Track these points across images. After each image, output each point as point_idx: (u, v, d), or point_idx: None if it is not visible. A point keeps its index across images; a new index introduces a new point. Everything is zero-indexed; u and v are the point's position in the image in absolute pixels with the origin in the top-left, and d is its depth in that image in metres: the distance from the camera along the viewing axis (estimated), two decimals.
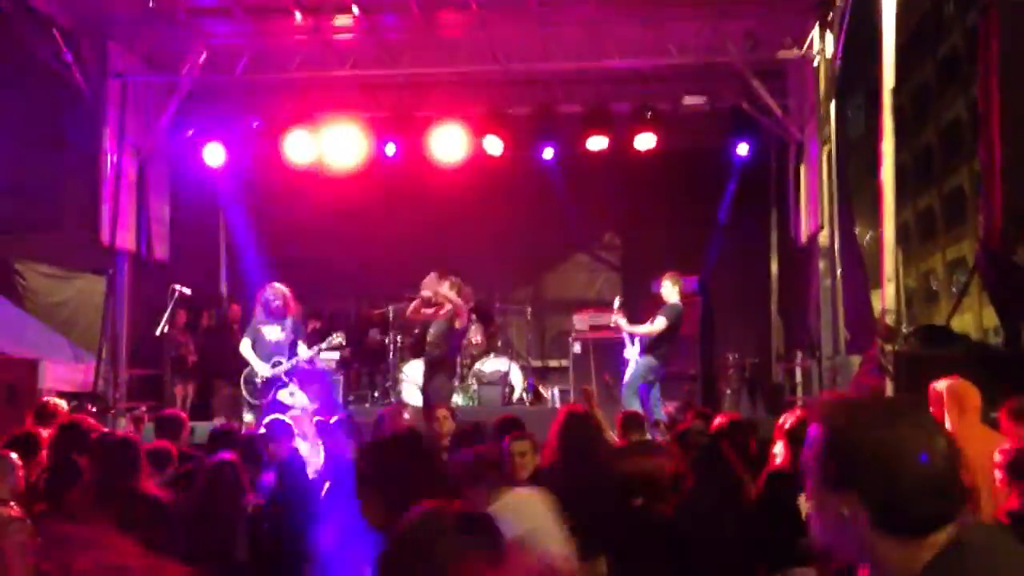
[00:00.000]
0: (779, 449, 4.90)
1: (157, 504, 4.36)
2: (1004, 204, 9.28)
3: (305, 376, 9.69)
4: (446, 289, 9.54)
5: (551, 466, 5.24)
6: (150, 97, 11.61)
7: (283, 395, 9.35)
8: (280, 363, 9.29)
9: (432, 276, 9.83)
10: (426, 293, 9.47)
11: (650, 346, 9.95)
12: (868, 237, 20.70)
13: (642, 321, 10.18)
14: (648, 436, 7.03)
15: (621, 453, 6.09)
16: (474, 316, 11.87)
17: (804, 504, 4.49)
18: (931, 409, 4.91)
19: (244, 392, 9.40)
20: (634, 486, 5.31)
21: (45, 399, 7.20)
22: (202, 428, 9.20)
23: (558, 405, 10.61)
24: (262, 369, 9.26)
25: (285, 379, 9.32)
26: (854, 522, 1.55)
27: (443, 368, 10.12)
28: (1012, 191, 9.18)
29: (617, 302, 10.46)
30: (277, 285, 9.59)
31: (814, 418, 1.64)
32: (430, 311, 10.00)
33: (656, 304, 10.29)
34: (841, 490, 1.56)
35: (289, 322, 9.46)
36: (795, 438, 4.68)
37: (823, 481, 1.60)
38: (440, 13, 10.39)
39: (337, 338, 9.56)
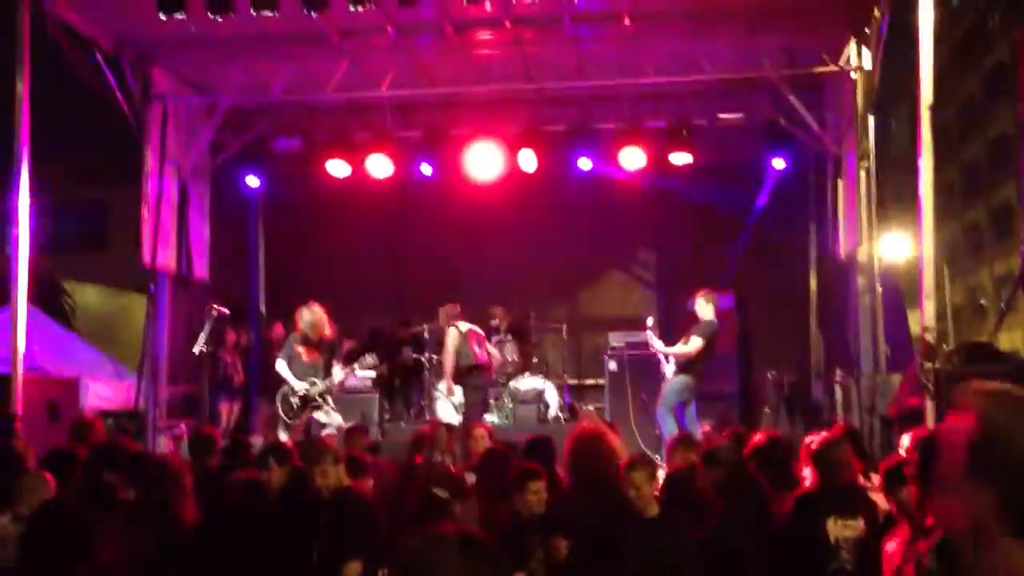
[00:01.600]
0: (808, 472, 4.81)
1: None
2: None
3: None
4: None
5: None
6: (191, 118, 11.81)
7: (319, 415, 9.46)
8: (315, 383, 9.40)
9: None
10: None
11: (685, 364, 9.88)
12: (912, 253, 20.38)
13: (677, 338, 10.12)
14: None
15: None
16: (509, 335, 11.92)
17: (833, 528, 4.39)
18: None
19: (280, 410, 9.49)
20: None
21: (82, 418, 7.31)
22: None
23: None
24: (298, 386, 9.36)
25: (319, 400, 9.44)
26: (981, 515, 1.56)
27: (478, 388, 10.24)
28: None
29: (650, 321, 10.39)
30: (314, 307, 9.68)
31: (965, 404, 1.64)
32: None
33: (691, 321, 10.22)
34: (978, 483, 1.56)
35: (325, 344, 9.58)
36: (821, 460, 4.59)
37: (962, 469, 1.60)
38: (474, 32, 10.45)
39: (370, 359, 9.58)
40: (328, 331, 9.61)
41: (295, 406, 9.40)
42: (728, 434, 7.27)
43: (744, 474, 4.97)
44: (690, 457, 6.09)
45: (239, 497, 4.97)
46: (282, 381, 9.48)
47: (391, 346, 12.87)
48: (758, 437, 6.02)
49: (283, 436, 9.30)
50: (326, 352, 9.55)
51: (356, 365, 9.56)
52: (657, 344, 10.14)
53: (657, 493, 4.96)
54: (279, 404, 9.48)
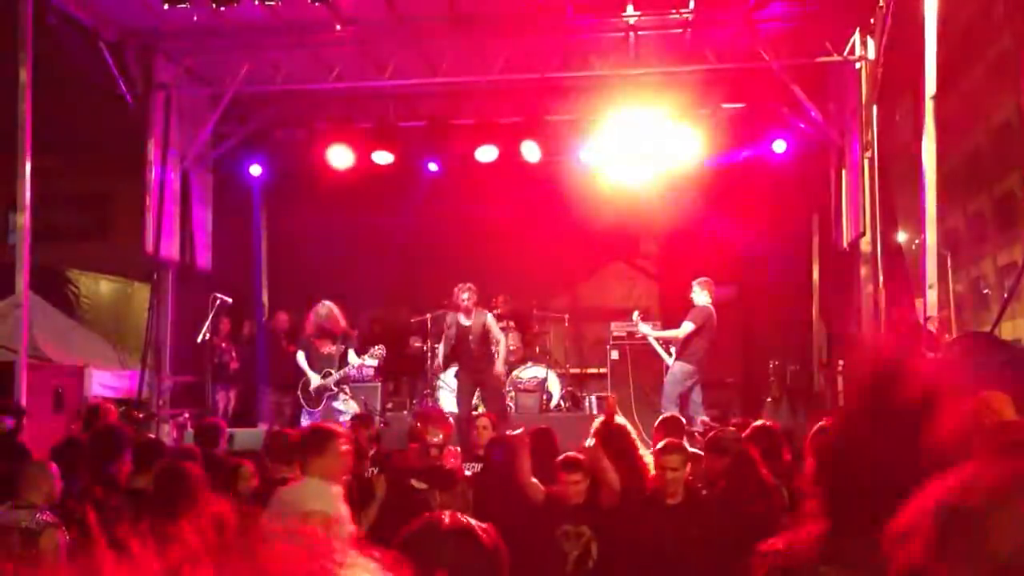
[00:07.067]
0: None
1: None
2: None
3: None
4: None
5: None
6: (193, 108, 11.79)
7: (337, 404, 10.09)
8: (330, 373, 10.03)
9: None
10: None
11: (680, 350, 9.97)
12: (915, 243, 20.33)
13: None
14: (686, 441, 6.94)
15: None
16: (512, 323, 11.94)
17: None
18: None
19: (301, 400, 10.19)
20: None
21: (95, 403, 7.34)
22: (242, 435, 9.40)
23: (595, 412, 10.57)
24: (314, 379, 10.05)
25: (334, 388, 10.06)
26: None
27: None
28: None
29: (635, 316, 10.69)
30: (327, 303, 10.15)
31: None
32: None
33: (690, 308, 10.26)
34: None
35: (340, 337, 10.22)
36: (816, 451, 4.58)
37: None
38: (478, 22, 10.42)
39: (379, 350, 10.21)
40: (341, 324, 10.17)
41: (312, 395, 10.09)
42: (732, 424, 7.28)
43: (749, 460, 4.98)
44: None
45: None
46: (295, 371, 10.21)
47: (396, 334, 12.90)
48: (751, 427, 6.05)
49: (304, 422, 9.70)
50: (340, 344, 10.16)
51: (367, 356, 10.03)
52: (645, 329, 10.31)
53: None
54: (300, 394, 10.18)
